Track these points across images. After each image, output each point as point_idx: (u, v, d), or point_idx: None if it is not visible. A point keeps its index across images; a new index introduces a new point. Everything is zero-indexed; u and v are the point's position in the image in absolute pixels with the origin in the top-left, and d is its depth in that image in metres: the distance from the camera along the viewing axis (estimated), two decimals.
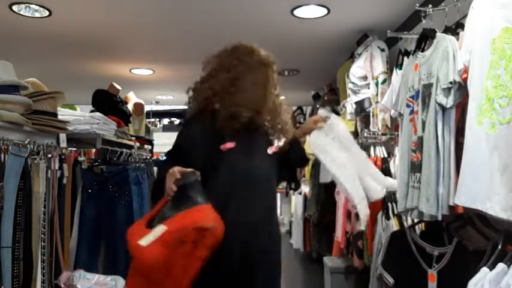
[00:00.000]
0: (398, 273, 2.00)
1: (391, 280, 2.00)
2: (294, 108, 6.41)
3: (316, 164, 4.28)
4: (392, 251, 2.09)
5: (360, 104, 3.32)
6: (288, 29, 3.45)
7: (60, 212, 2.06)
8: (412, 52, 2.12)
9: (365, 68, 3.21)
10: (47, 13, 3.11)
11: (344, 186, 1.91)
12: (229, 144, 1.76)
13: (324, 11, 3.07)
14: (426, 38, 2.03)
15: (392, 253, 2.09)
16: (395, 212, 2.56)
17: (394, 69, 2.69)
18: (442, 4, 2.07)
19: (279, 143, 1.99)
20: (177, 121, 8.83)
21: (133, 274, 1.57)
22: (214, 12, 3.15)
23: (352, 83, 3.35)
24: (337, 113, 4.19)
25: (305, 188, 5.42)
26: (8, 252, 1.61)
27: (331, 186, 3.40)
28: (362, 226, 2.69)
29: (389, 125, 2.97)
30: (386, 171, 2.84)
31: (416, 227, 2.15)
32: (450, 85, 1.73)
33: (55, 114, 2.10)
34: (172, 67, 4.76)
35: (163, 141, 6.38)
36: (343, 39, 3.60)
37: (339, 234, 3.26)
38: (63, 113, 2.34)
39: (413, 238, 1.99)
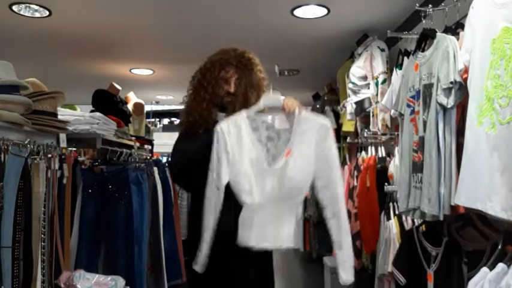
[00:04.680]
0: (407, 273, 2.03)
1: (402, 280, 2.02)
2: None
3: None
4: (403, 251, 2.12)
5: (360, 104, 3.32)
6: (288, 29, 3.45)
7: (60, 212, 2.06)
8: (412, 52, 2.12)
9: (365, 68, 3.21)
10: (47, 13, 3.11)
11: None
12: None
13: (324, 11, 3.07)
14: (426, 38, 2.03)
15: (403, 253, 2.12)
16: (396, 212, 2.56)
17: (394, 69, 2.69)
18: (442, 4, 2.07)
19: None
20: (177, 121, 8.83)
21: None
22: (214, 12, 3.15)
23: (352, 83, 3.35)
24: (337, 113, 4.20)
25: None
26: (8, 252, 1.60)
27: None
28: None
29: (389, 125, 2.97)
30: (383, 171, 2.85)
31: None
32: (451, 85, 1.73)
33: (55, 114, 2.10)
34: (172, 67, 4.76)
35: (163, 141, 6.39)
36: (343, 39, 3.60)
37: None
38: (63, 113, 2.34)
39: (419, 238, 2.00)
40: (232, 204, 1.74)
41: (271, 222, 1.69)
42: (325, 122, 1.76)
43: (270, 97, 1.81)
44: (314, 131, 1.72)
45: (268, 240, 1.70)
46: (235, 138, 1.73)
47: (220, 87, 1.92)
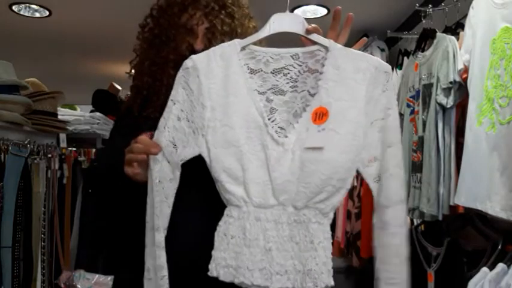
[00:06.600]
0: None
1: None
2: None
3: None
4: None
5: None
6: None
7: (60, 212, 2.06)
8: (412, 52, 2.12)
9: None
10: (47, 13, 3.11)
11: None
12: None
13: (324, 11, 3.07)
14: (426, 38, 2.04)
15: None
16: None
17: (394, 69, 2.68)
18: (442, 4, 2.07)
19: None
20: None
21: None
22: None
23: None
24: None
25: None
26: (8, 252, 1.61)
27: None
28: None
29: None
30: None
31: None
32: (450, 85, 1.73)
33: (55, 114, 2.11)
34: None
35: None
36: None
37: (339, 234, 3.26)
38: (63, 113, 2.35)
39: (418, 238, 2.01)
40: (201, 200, 1.00)
41: (284, 242, 0.88)
42: (383, 64, 0.98)
43: (286, 16, 1.12)
44: (364, 77, 0.95)
45: (280, 274, 0.87)
46: (219, 83, 0.96)
47: (183, 40, 1.14)
